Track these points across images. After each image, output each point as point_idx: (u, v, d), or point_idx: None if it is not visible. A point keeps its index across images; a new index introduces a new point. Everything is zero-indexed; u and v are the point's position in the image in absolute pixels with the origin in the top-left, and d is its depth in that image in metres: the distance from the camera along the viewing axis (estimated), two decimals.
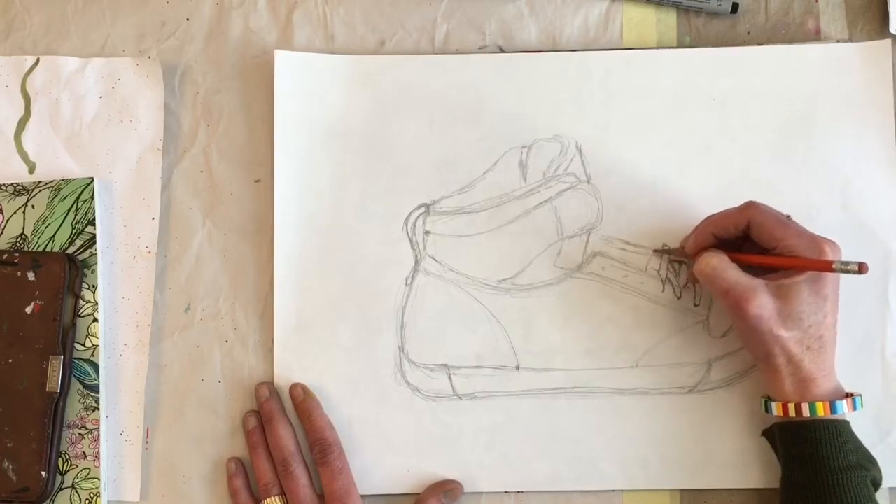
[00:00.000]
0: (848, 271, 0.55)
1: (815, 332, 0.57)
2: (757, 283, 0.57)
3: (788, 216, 0.59)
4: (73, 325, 0.65)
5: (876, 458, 0.58)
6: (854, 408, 0.58)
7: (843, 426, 0.57)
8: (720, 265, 0.58)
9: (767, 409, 0.59)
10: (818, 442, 0.56)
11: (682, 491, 0.64)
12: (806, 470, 0.57)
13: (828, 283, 0.57)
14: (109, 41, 0.69)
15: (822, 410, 0.57)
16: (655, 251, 0.65)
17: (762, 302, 0.56)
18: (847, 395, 0.58)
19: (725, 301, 0.58)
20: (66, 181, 0.66)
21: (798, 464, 0.57)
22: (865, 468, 0.57)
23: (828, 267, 0.56)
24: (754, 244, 0.59)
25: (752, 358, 0.62)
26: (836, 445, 0.56)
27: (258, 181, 0.67)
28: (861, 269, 0.55)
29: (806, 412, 0.57)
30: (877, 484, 0.58)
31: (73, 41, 0.69)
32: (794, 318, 0.57)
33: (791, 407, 0.57)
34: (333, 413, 0.65)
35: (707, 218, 0.61)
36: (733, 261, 0.59)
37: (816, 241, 0.57)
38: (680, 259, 0.64)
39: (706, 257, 0.59)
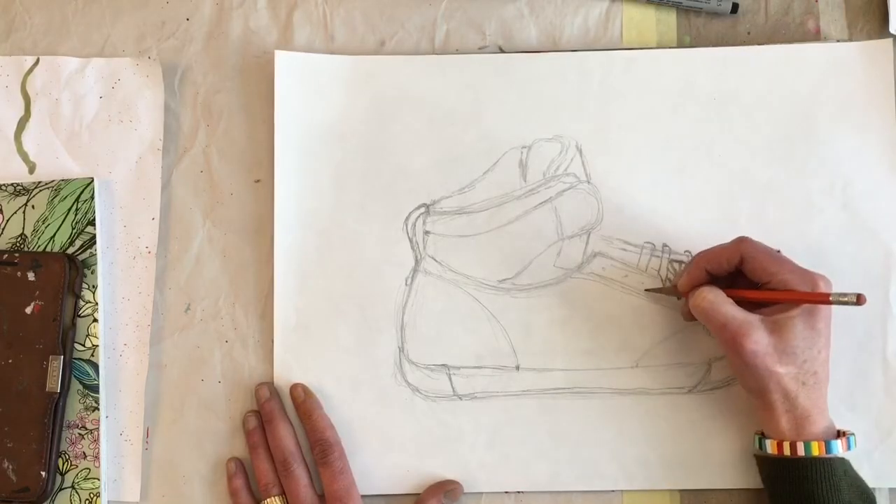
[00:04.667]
0: (845, 303, 0.55)
1: (810, 368, 0.57)
2: (753, 318, 0.57)
3: (779, 251, 0.59)
4: (73, 325, 0.65)
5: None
6: (849, 447, 0.57)
7: (838, 464, 0.57)
8: (717, 299, 0.58)
9: (761, 447, 0.59)
10: (812, 481, 0.56)
11: (682, 491, 0.64)
12: None
13: (821, 317, 0.57)
14: (109, 41, 0.69)
15: (817, 450, 0.56)
16: (647, 290, 0.64)
17: (758, 337, 0.56)
18: (841, 434, 0.58)
19: (721, 336, 0.58)
20: (66, 181, 0.66)
21: (789, 502, 0.57)
22: None
23: (825, 299, 0.56)
24: (746, 279, 0.59)
25: (746, 395, 0.61)
26: (830, 485, 0.56)
27: (258, 181, 0.67)
28: (859, 300, 0.55)
29: (801, 451, 0.57)
30: None
31: (73, 41, 0.69)
32: (790, 353, 0.56)
33: (786, 445, 0.57)
34: (333, 413, 0.65)
35: (699, 254, 0.60)
36: (728, 297, 0.58)
37: (810, 276, 0.57)
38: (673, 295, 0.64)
39: (702, 291, 0.58)
